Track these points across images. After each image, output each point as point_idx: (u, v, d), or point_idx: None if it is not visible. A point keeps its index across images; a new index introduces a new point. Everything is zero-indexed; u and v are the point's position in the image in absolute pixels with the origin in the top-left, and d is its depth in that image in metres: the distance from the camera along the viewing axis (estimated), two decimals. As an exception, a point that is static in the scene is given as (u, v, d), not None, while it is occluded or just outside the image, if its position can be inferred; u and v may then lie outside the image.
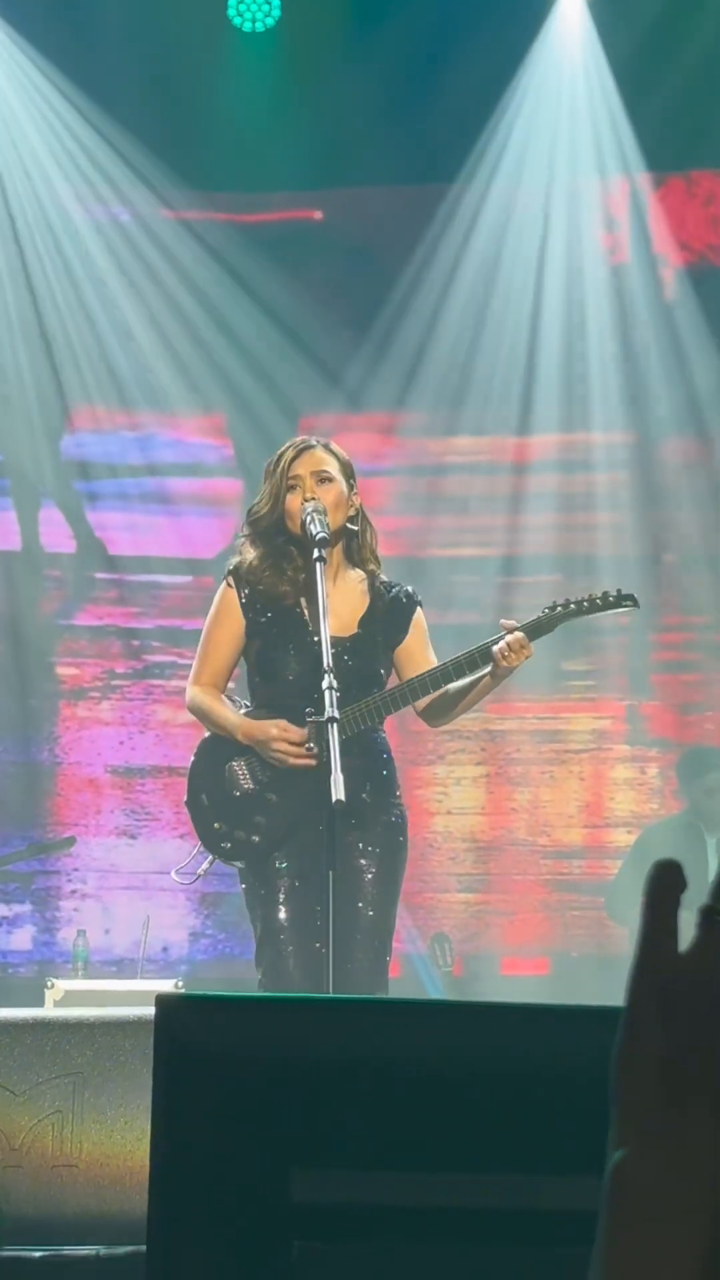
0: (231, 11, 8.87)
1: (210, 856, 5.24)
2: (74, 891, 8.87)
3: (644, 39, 8.75)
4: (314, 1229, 1.44)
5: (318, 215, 9.29)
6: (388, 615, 5.24)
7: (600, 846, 8.97)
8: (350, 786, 4.83)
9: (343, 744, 4.86)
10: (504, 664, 4.99)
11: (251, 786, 5.16)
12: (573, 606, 5.15)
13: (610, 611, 5.22)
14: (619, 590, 5.24)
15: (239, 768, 5.19)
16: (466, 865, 8.97)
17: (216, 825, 5.18)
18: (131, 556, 9.10)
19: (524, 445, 9.12)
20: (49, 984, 6.25)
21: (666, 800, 8.92)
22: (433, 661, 5.21)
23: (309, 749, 5.01)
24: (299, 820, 5.07)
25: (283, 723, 5.06)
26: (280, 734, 5.05)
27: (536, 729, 9.05)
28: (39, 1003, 6.11)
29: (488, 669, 5.07)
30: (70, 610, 9.06)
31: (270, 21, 8.89)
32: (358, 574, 5.25)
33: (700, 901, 0.98)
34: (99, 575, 9.08)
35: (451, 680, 5.10)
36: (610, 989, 7.51)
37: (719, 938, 0.95)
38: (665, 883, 0.97)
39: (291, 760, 5.04)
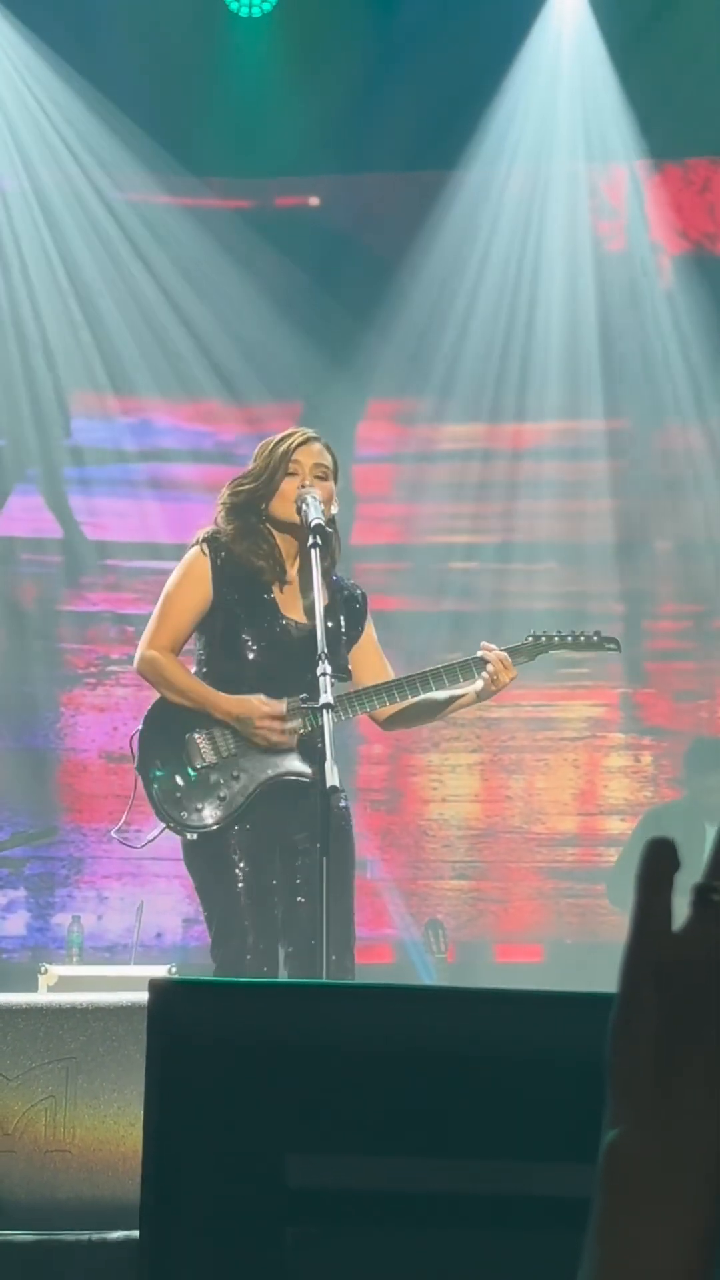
0: (228, -4, 8.86)
1: (161, 825, 5.18)
2: (68, 877, 8.87)
3: (641, 26, 8.74)
4: (308, 1214, 1.43)
5: (314, 201, 9.28)
6: (345, 611, 5.29)
7: (594, 834, 8.97)
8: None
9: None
10: (493, 686, 5.10)
11: (216, 760, 5.12)
12: (555, 639, 5.27)
13: (589, 651, 5.38)
14: (599, 633, 5.39)
15: (201, 740, 5.15)
16: (461, 852, 8.98)
17: (177, 796, 5.13)
18: (126, 543, 9.10)
19: (520, 432, 9.12)
20: (43, 969, 6.25)
21: (660, 788, 8.93)
22: (385, 664, 5.31)
23: (289, 729, 5.04)
24: (256, 801, 5.09)
25: (262, 697, 5.06)
26: (267, 710, 5.04)
27: (531, 716, 9.05)
28: (32, 988, 6.10)
29: (471, 685, 5.16)
30: (64, 596, 9.05)
31: (267, 6, 8.87)
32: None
33: (695, 883, 0.98)
34: (93, 561, 9.07)
35: (442, 685, 5.16)
36: (603, 976, 7.51)
37: (712, 916, 0.95)
38: (659, 862, 0.97)
39: (274, 737, 5.05)
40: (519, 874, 8.98)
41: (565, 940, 8.83)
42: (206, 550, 5.19)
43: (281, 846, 5.10)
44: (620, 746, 9.08)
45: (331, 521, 5.24)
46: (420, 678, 5.20)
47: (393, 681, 5.22)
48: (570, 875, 8.93)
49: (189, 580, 5.22)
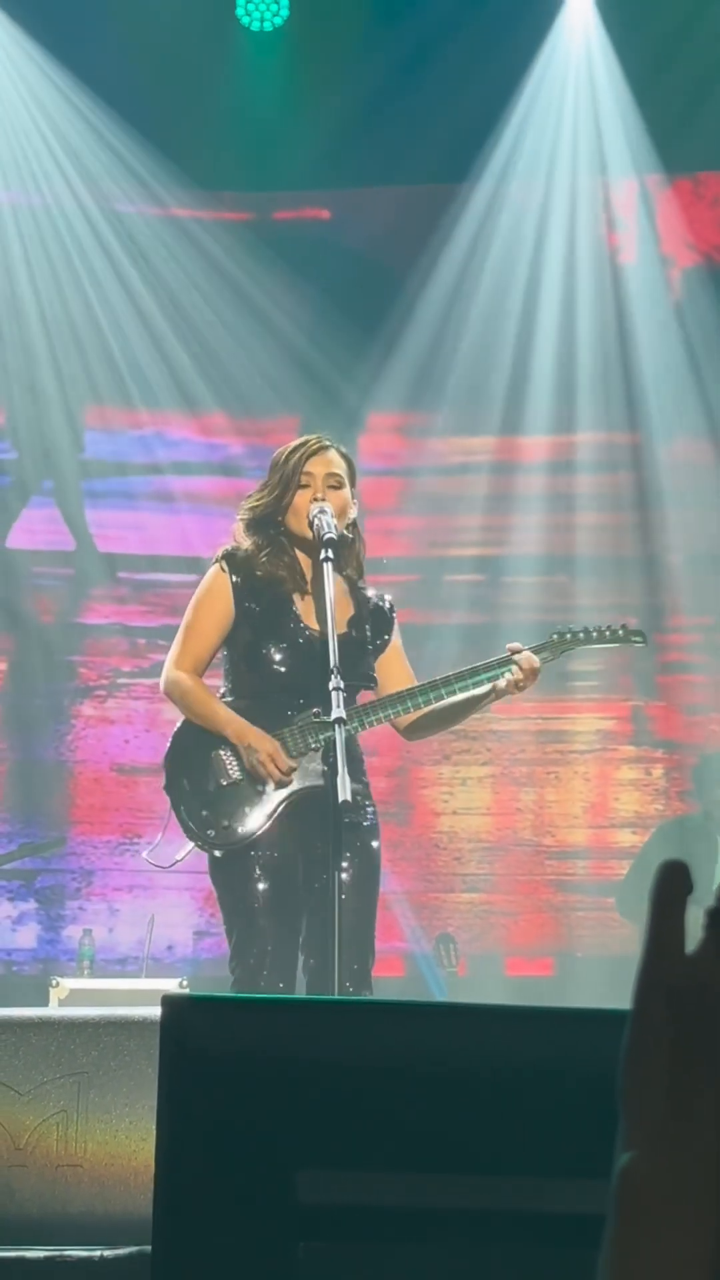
0: (240, 10, 8.87)
1: (190, 844, 5.20)
2: (79, 889, 8.87)
3: (653, 40, 8.75)
4: (320, 1230, 1.43)
5: (325, 215, 9.29)
6: (372, 620, 5.28)
7: (605, 847, 8.96)
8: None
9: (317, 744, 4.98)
10: (517, 688, 5.06)
11: (239, 776, 5.12)
12: (581, 636, 5.22)
13: (615, 645, 5.31)
14: (625, 626, 5.34)
15: (226, 756, 5.15)
16: (471, 865, 8.97)
17: (204, 813, 5.14)
18: (137, 555, 9.11)
19: (531, 445, 9.12)
20: (54, 982, 6.25)
21: (671, 801, 8.92)
22: (410, 672, 5.27)
23: (290, 771, 5.05)
24: (284, 816, 5.08)
25: (276, 745, 5.07)
26: (271, 754, 5.06)
27: (542, 729, 9.05)
28: (43, 1001, 6.11)
29: (490, 686, 5.11)
30: (76, 609, 9.07)
31: (279, 21, 8.89)
32: (341, 577, 5.25)
33: (709, 903, 0.98)
34: (104, 574, 9.08)
35: (466, 688, 5.14)
36: (615, 990, 7.51)
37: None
38: (671, 884, 0.97)
39: (274, 778, 5.05)
40: (530, 887, 8.97)
41: (576, 954, 8.82)
42: (225, 567, 5.21)
43: (305, 859, 5.09)
44: (631, 759, 9.08)
45: (351, 527, 5.25)
46: (443, 681, 5.17)
47: (416, 687, 5.19)
48: (581, 888, 8.92)
49: (209, 598, 5.23)
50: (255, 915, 5.05)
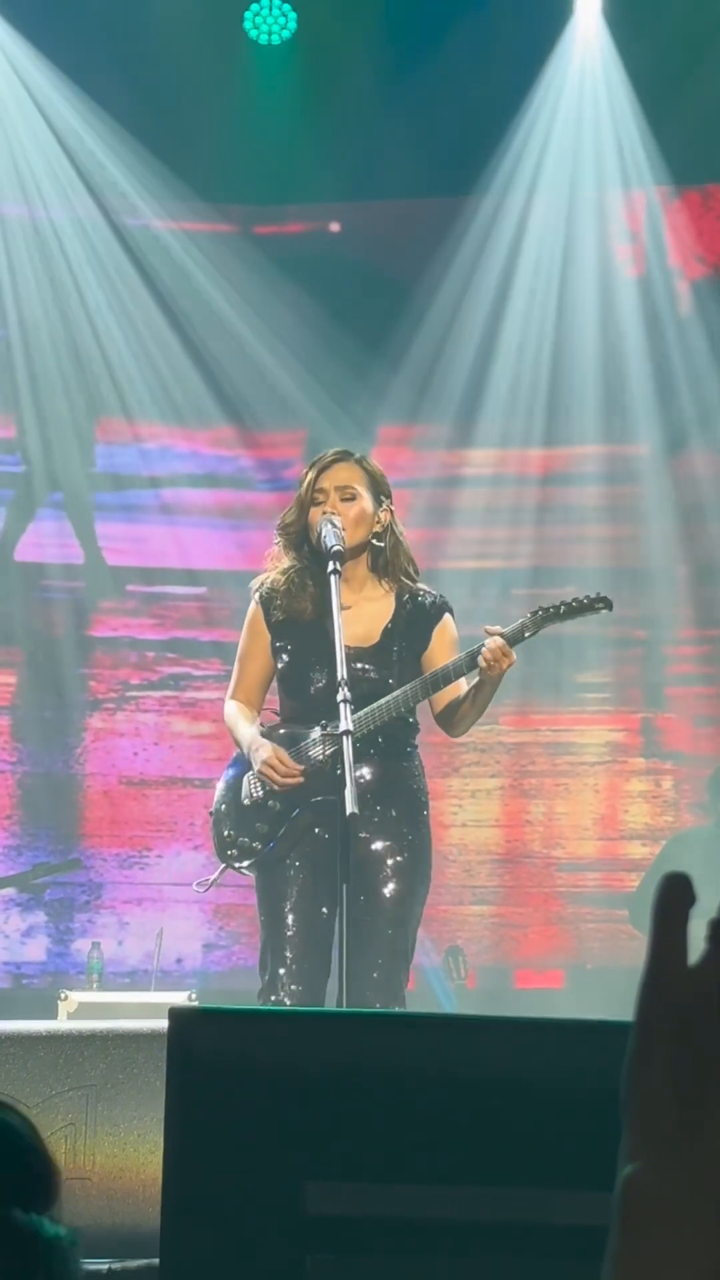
0: (248, 24, 8.88)
1: (222, 866, 5.34)
2: (88, 903, 8.87)
3: (661, 52, 8.75)
4: (328, 1242, 1.43)
5: (335, 227, 9.30)
6: (408, 626, 5.30)
7: (615, 859, 8.96)
8: (379, 801, 5.04)
9: (376, 760, 5.02)
10: (488, 673, 5.05)
11: (259, 795, 5.23)
12: (550, 611, 5.21)
13: (587, 615, 5.30)
14: (596, 593, 5.33)
15: (250, 778, 5.27)
16: (481, 878, 8.96)
17: (226, 834, 5.30)
18: (146, 568, 9.11)
19: (539, 458, 9.12)
20: (62, 995, 6.25)
21: (680, 813, 8.91)
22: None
23: (300, 771, 5.12)
24: (309, 829, 5.13)
25: (282, 752, 5.15)
26: (268, 758, 5.15)
27: (551, 741, 9.05)
28: (52, 1014, 6.10)
29: (475, 677, 5.13)
30: (85, 622, 9.07)
31: (286, 34, 8.89)
32: (386, 586, 5.32)
33: (713, 915, 0.98)
34: (113, 587, 9.09)
35: (440, 687, 5.18)
36: (624, 1002, 7.49)
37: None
38: (675, 895, 0.97)
39: (275, 781, 5.14)
40: (539, 899, 8.97)
41: (586, 966, 8.81)
42: (258, 600, 5.35)
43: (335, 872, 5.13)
44: (641, 771, 9.07)
45: (381, 536, 5.27)
46: (431, 678, 5.19)
47: (394, 694, 5.20)
48: (591, 900, 8.91)
49: (248, 630, 5.41)
50: (282, 928, 5.17)
